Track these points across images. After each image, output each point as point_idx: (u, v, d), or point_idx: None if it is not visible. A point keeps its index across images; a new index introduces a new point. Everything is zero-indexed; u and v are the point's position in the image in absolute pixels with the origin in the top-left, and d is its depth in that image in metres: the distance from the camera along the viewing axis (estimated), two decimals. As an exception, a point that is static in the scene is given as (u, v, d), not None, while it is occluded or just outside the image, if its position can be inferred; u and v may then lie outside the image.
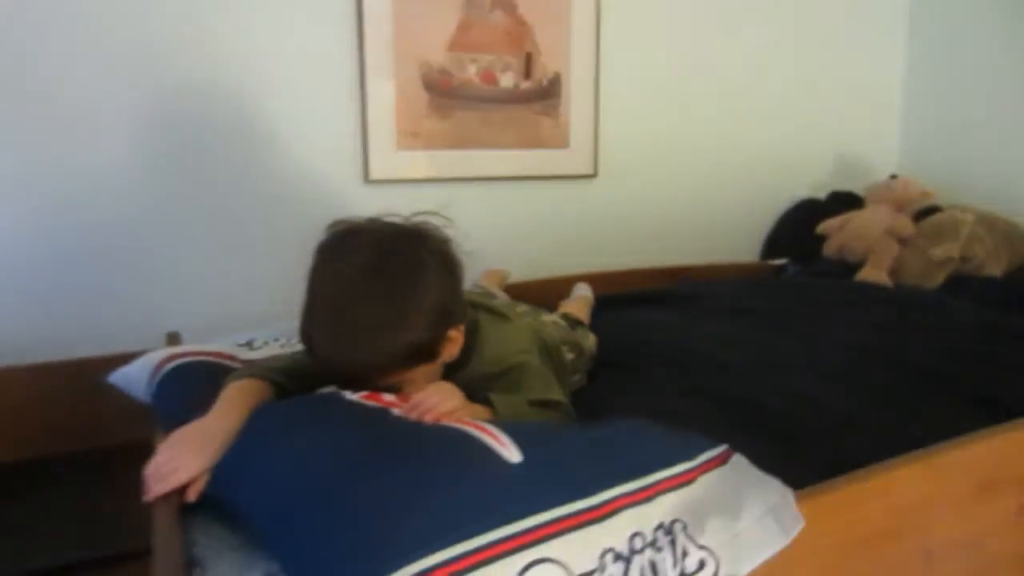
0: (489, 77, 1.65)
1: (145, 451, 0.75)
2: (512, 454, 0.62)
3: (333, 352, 0.77)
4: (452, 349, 0.83)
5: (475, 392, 0.80)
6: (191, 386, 0.85)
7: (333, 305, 0.77)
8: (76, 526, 1.10)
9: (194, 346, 1.01)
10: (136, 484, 0.72)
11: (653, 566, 0.60)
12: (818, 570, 0.73)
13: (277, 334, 1.11)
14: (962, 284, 1.67)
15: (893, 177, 1.93)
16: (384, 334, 0.75)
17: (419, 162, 1.62)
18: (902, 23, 2.11)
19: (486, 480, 0.59)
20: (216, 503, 0.69)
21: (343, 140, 1.56)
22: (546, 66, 1.69)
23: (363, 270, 0.77)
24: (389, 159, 1.59)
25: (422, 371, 0.80)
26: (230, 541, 0.67)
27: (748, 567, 0.63)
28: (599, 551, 0.58)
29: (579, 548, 0.57)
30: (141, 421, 1.32)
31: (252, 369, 0.83)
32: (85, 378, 1.31)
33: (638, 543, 0.60)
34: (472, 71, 1.63)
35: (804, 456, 0.83)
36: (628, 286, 1.71)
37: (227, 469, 0.68)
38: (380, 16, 1.52)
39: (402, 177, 1.61)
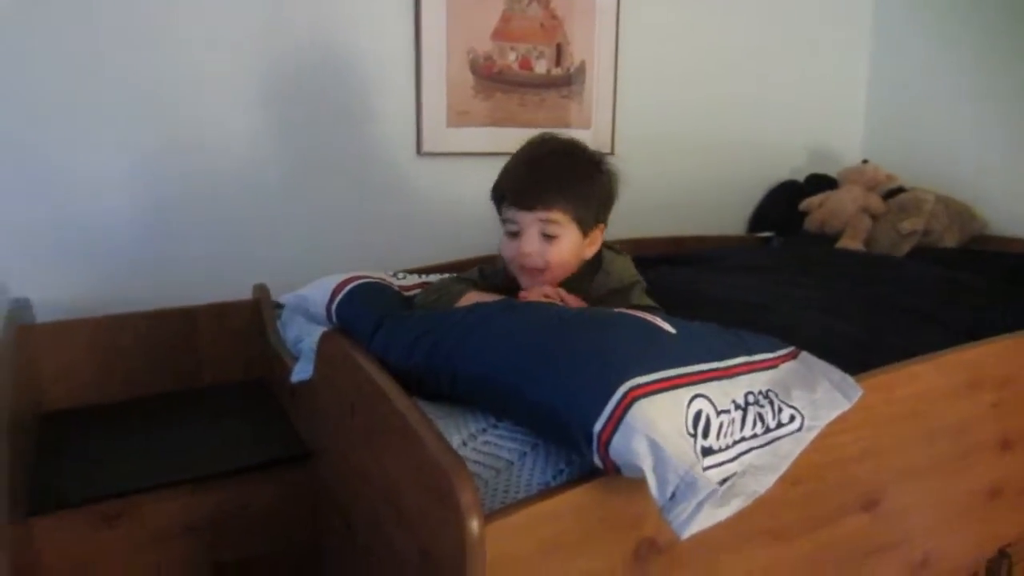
0: (526, 64, 1.86)
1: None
2: (669, 328, 0.84)
3: (519, 185, 1.05)
4: (592, 246, 1.09)
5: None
6: (375, 299, 1.04)
7: (530, 158, 1.07)
8: (220, 444, 1.26)
9: (361, 271, 1.16)
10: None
11: (760, 416, 0.83)
12: (867, 436, 0.98)
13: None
14: (924, 253, 1.96)
15: (865, 162, 2.22)
16: (563, 179, 1.05)
17: (465, 137, 1.81)
18: (866, 33, 2.41)
19: (659, 339, 0.81)
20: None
21: (400, 117, 1.75)
22: (574, 55, 1.91)
23: (557, 149, 1.07)
24: (439, 134, 1.78)
25: (568, 246, 1.07)
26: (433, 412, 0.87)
27: (823, 422, 0.87)
28: (729, 398, 0.80)
29: (719, 393, 0.79)
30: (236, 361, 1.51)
31: (464, 282, 1.13)
32: (189, 323, 1.48)
33: (751, 398, 0.83)
34: (512, 58, 1.83)
35: (839, 366, 1.06)
36: (635, 252, 1.95)
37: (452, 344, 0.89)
38: (435, 8, 1.71)
39: (450, 151, 1.80)
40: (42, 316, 1.38)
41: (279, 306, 1.43)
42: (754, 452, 0.80)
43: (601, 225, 1.13)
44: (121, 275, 1.50)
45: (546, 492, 0.77)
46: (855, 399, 0.89)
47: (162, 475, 1.14)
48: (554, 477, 0.81)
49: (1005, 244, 2.00)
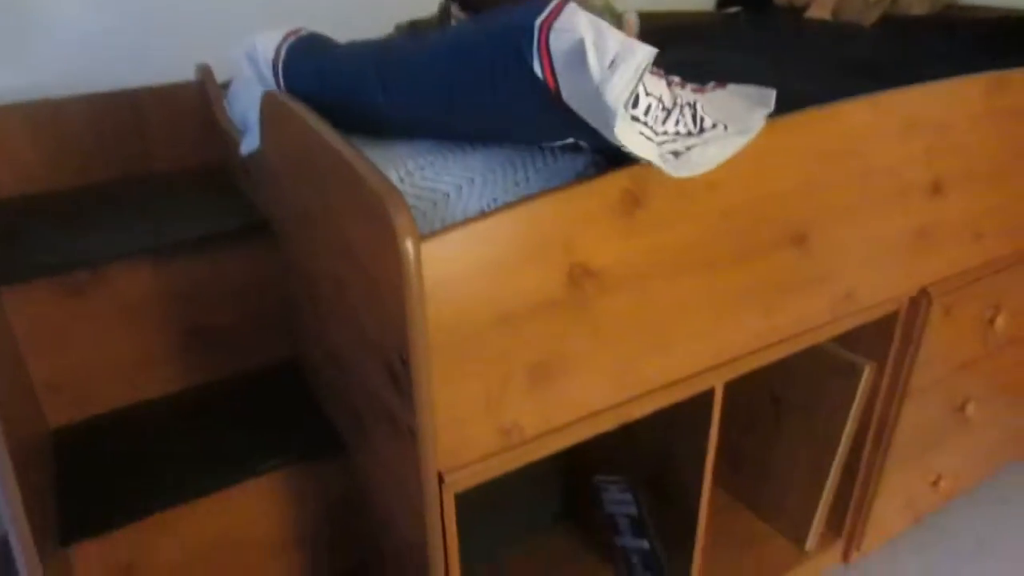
0: None
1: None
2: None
3: None
4: None
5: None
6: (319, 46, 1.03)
7: None
8: (182, 219, 1.28)
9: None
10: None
11: (694, 110, 0.85)
12: (802, 173, 1.02)
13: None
14: (893, 21, 1.92)
15: (834, -73, 2.11)
16: None
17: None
18: None
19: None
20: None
21: None
22: None
23: None
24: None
25: None
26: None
27: (748, 136, 0.89)
28: (658, 92, 0.81)
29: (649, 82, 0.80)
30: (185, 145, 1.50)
31: None
32: (134, 108, 1.45)
33: (678, 100, 0.84)
34: None
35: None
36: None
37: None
38: None
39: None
40: (-20, 102, 1.35)
41: (225, 86, 1.40)
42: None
43: None
44: (60, 58, 1.46)
45: (481, 215, 0.80)
46: (771, 104, 0.92)
47: (130, 245, 1.18)
48: (488, 206, 0.84)
49: (977, 11, 1.96)
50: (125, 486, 1.09)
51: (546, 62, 0.73)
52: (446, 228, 0.78)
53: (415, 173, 0.87)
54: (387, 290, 0.80)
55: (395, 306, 0.79)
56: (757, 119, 0.90)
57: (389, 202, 0.75)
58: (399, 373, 0.84)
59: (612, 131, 0.73)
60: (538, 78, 0.74)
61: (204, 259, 1.22)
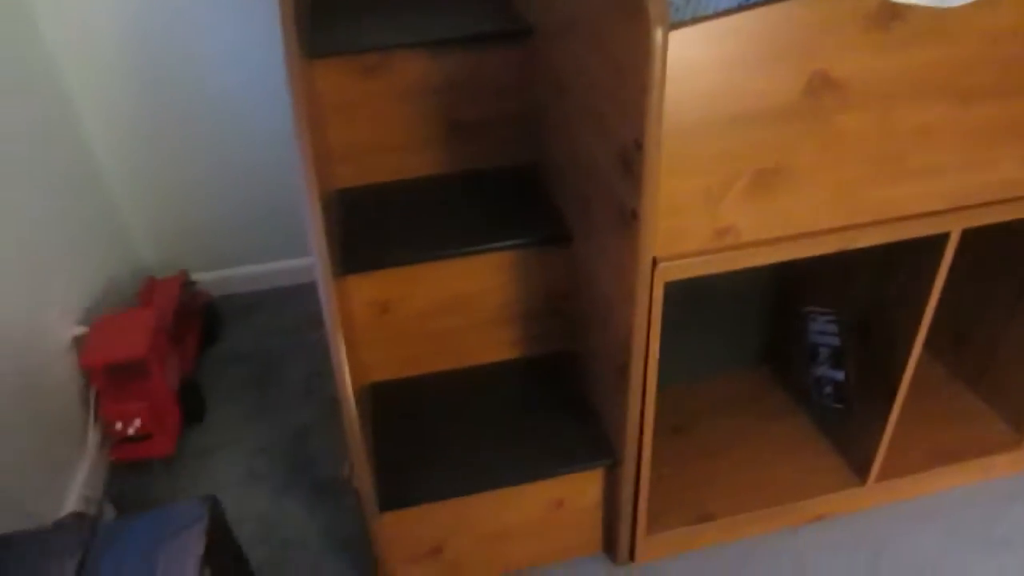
0: None
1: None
2: None
3: None
4: None
5: None
6: None
7: None
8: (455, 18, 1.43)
9: None
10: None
11: None
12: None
13: None
14: None
15: None
16: None
17: None
18: None
19: None
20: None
21: None
22: None
23: None
24: None
25: None
26: None
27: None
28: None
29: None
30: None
31: None
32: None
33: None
34: None
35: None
36: None
37: None
38: None
39: None
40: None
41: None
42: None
43: None
44: None
45: (729, 9, 0.84)
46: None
47: (411, 36, 1.35)
48: (739, 4, 0.87)
49: None
50: (389, 240, 1.32)
51: None
52: (695, 19, 0.83)
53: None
54: (631, 76, 0.88)
55: (637, 92, 0.87)
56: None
57: (646, -11, 0.81)
58: (631, 158, 0.93)
59: None
60: None
61: (472, 56, 1.37)
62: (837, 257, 1.11)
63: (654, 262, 1.00)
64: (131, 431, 1.51)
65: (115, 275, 1.80)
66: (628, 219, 0.99)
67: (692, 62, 0.85)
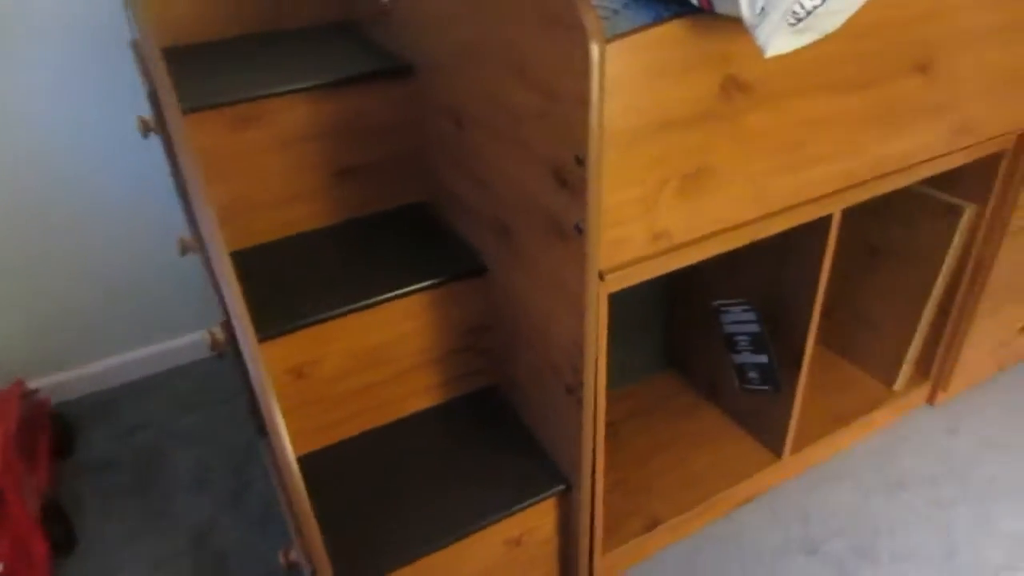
0: None
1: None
2: None
3: None
4: None
5: None
6: None
7: None
8: (327, 61, 1.37)
9: None
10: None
11: None
12: (927, -5, 1.06)
13: None
14: None
15: None
16: None
17: None
18: None
19: None
20: None
21: None
22: None
23: None
24: None
25: None
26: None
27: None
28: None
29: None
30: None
31: None
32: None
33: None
34: None
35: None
36: None
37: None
38: None
39: None
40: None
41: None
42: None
43: None
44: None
45: (651, 23, 0.88)
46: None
47: (286, 83, 1.27)
48: (654, 20, 0.91)
49: None
50: (290, 301, 1.22)
51: None
52: (625, 32, 0.86)
53: (586, -10, 0.94)
54: (566, 95, 0.89)
55: (574, 109, 0.88)
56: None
57: (580, 6, 0.83)
58: (570, 175, 0.94)
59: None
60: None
61: (351, 99, 1.32)
62: (731, 251, 1.19)
63: (600, 275, 1.01)
64: (-4, 576, 1.27)
65: (-65, 397, 1.52)
66: (570, 235, 0.99)
67: (621, 75, 0.88)
